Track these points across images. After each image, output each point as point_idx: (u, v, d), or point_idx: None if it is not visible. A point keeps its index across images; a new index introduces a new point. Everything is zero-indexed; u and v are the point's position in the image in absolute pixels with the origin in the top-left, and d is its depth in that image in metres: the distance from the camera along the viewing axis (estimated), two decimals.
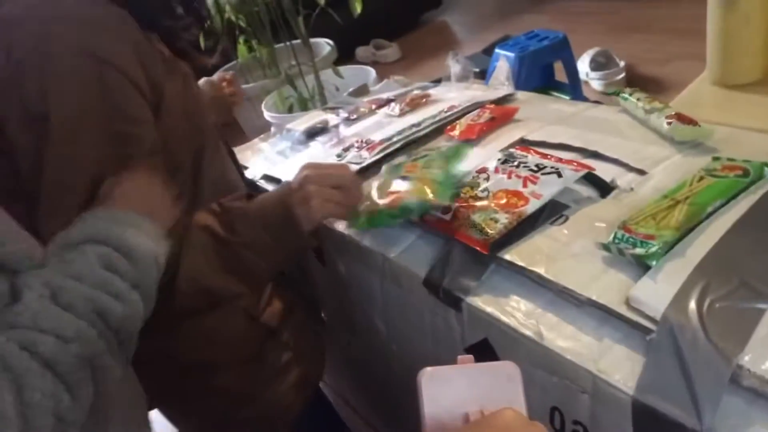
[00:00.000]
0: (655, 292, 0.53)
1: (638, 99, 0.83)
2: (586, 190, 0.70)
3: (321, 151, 1.00)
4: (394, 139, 0.91)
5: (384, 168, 0.82)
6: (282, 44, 2.17)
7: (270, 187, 0.97)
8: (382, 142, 0.92)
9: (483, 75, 1.86)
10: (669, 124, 0.75)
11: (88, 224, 0.53)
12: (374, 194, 0.74)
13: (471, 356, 0.43)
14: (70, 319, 0.45)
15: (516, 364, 0.59)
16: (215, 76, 1.13)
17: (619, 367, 0.51)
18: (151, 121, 0.63)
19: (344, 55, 2.56)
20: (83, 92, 0.58)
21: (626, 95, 0.86)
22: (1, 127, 0.57)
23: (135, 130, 0.61)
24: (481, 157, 0.81)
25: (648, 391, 0.49)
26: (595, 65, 2.25)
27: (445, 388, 0.40)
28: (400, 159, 0.84)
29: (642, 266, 0.56)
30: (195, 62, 0.78)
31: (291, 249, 0.69)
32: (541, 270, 0.60)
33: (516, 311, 0.60)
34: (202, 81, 1.09)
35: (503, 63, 1.12)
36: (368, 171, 0.87)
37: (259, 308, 0.77)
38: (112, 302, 0.48)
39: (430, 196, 0.69)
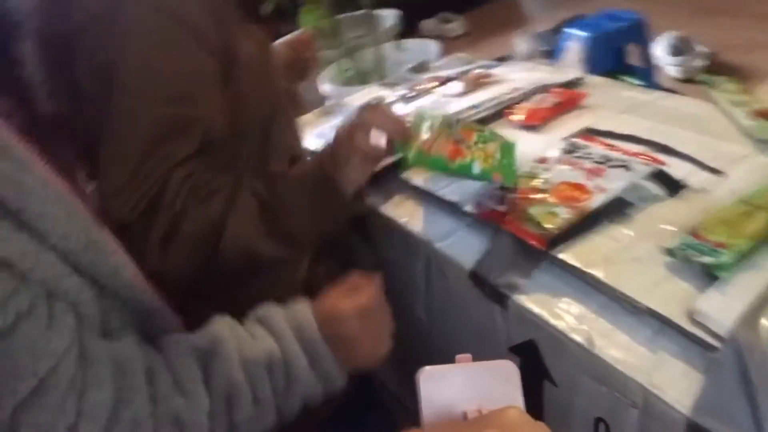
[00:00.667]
0: (723, 306, 0.49)
1: (726, 89, 0.76)
2: (653, 188, 0.65)
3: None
4: (452, 119, 0.88)
5: (427, 114, 0.71)
6: (346, 14, 2.13)
7: None
8: None
9: (550, 54, 1.78)
10: (751, 119, 0.69)
11: (285, 320, 0.52)
12: (425, 135, 0.68)
13: (469, 355, 0.42)
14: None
15: (563, 370, 0.57)
16: (291, 37, 1.11)
17: (674, 383, 0.47)
18: (217, 86, 0.62)
19: (409, 28, 2.51)
20: (153, 49, 0.59)
21: (713, 82, 0.79)
22: (71, 72, 0.58)
23: (198, 94, 0.61)
24: (542, 144, 0.77)
25: (705, 412, 0.45)
26: (673, 50, 2.11)
27: (443, 387, 0.39)
28: (451, 116, 0.78)
29: (709, 276, 0.52)
30: (272, 28, 0.77)
31: (332, 213, 0.66)
32: (598, 273, 0.56)
33: (566, 314, 0.56)
34: (279, 41, 1.08)
35: (574, 44, 1.06)
36: None
37: (300, 275, 0.76)
38: (248, 401, 0.48)
39: (495, 168, 0.65)
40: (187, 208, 0.58)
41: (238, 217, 0.62)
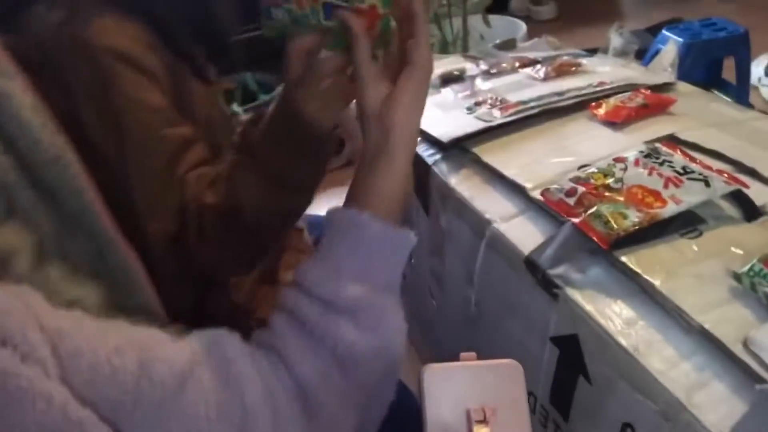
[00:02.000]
0: None
1: None
2: (730, 209, 0.63)
3: (452, 100, 0.97)
4: (531, 104, 0.87)
5: None
6: None
7: None
8: (517, 104, 0.87)
9: (642, 54, 1.71)
10: None
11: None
12: None
13: (473, 353, 0.43)
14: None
15: (601, 370, 0.57)
16: None
17: (714, 406, 0.47)
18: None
19: (498, 4, 2.45)
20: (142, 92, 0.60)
21: None
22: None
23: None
24: (621, 144, 0.75)
25: None
26: None
27: (448, 385, 0.40)
28: None
29: None
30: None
31: (309, 145, 0.61)
32: (656, 281, 0.55)
33: (616, 316, 0.56)
34: None
35: (671, 47, 1.02)
36: (496, 131, 0.83)
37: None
38: None
39: None
40: (205, 198, 0.61)
41: (244, 185, 0.63)
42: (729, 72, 1.78)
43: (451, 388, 0.40)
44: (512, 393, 0.41)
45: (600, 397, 0.57)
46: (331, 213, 0.47)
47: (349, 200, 0.48)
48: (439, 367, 0.41)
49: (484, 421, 0.39)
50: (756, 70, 2.00)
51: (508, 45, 1.30)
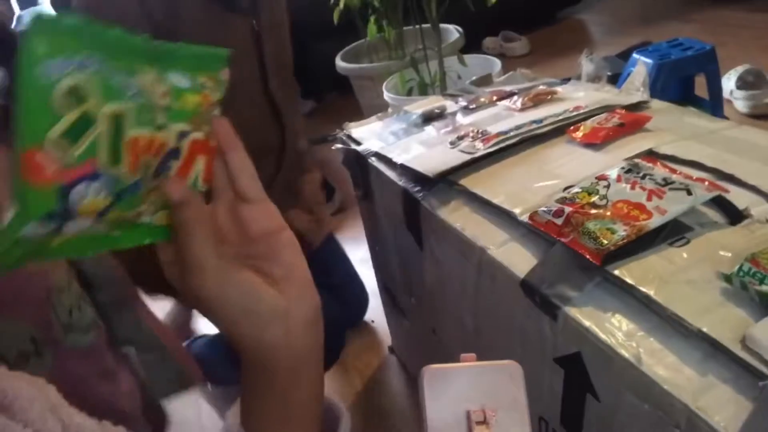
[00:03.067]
0: None
1: None
2: (714, 215, 0.65)
3: (435, 136, 0.99)
4: (511, 134, 0.89)
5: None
6: (411, 27, 2.17)
7: (380, 165, 0.98)
8: (498, 135, 0.90)
9: (615, 79, 1.76)
10: None
11: None
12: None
13: (473, 355, 0.43)
14: None
15: (607, 385, 0.57)
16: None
17: (720, 408, 0.47)
18: None
19: (471, 44, 2.52)
20: None
21: None
22: None
23: None
24: (602, 163, 0.77)
25: None
26: (742, 84, 2.07)
27: (447, 387, 0.40)
28: None
29: (766, 305, 0.51)
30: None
31: None
32: (650, 291, 0.56)
33: (616, 330, 0.56)
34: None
35: (641, 68, 1.06)
36: (480, 163, 0.85)
37: None
38: None
39: None
40: None
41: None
42: (701, 89, 1.83)
43: (451, 389, 0.40)
44: (513, 394, 0.40)
45: (609, 412, 0.57)
46: None
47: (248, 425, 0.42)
48: (439, 369, 0.41)
49: (484, 423, 0.39)
50: (727, 84, 2.06)
51: (485, 81, 1.33)
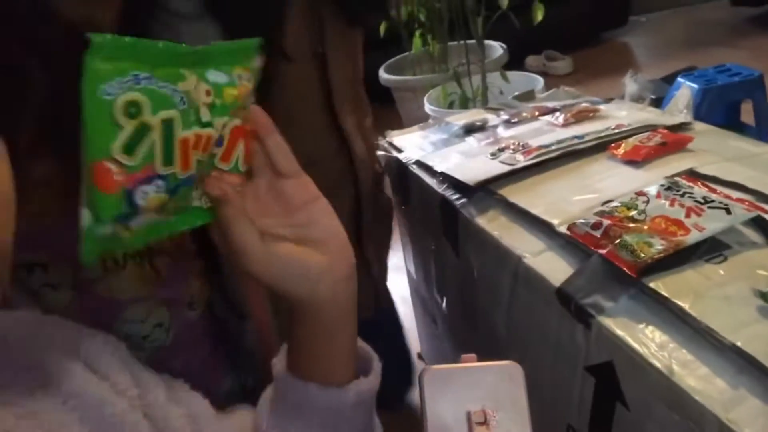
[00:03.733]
0: None
1: None
2: (753, 235, 0.65)
3: (476, 147, 1.01)
4: (552, 147, 0.90)
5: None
6: (455, 42, 2.20)
7: (421, 173, 1.01)
8: (539, 148, 0.91)
9: (659, 103, 1.76)
10: None
11: None
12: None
13: (473, 355, 0.43)
14: None
15: (637, 394, 0.58)
16: None
17: (752, 421, 0.48)
18: None
19: (515, 62, 2.54)
20: None
21: None
22: None
23: None
24: (642, 180, 0.78)
25: None
26: None
27: (448, 387, 0.40)
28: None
29: None
30: None
31: None
32: (685, 304, 0.57)
33: (649, 341, 0.57)
34: None
35: (685, 90, 1.06)
36: (520, 174, 0.87)
37: None
38: None
39: None
40: None
41: None
42: (748, 115, 1.81)
43: (451, 390, 0.40)
44: (513, 395, 0.40)
45: (639, 422, 0.58)
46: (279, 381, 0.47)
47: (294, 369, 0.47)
48: (439, 369, 0.41)
49: (484, 423, 0.39)
50: None
51: (528, 96, 1.35)
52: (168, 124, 0.35)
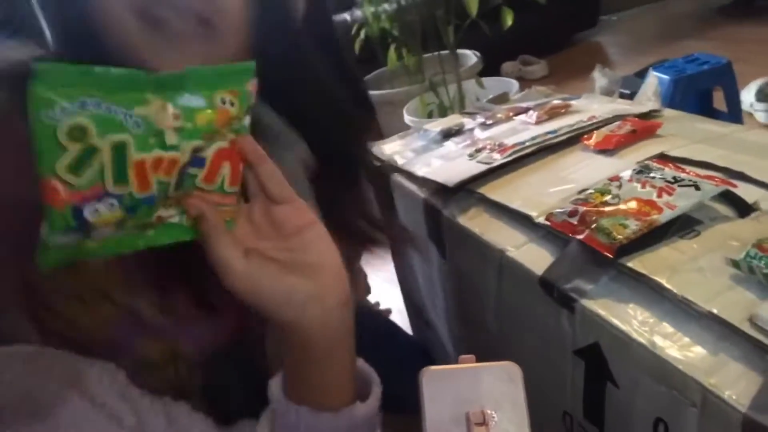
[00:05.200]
0: None
1: None
2: (724, 209, 0.67)
3: (454, 150, 1.03)
4: (527, 144, 0.93)
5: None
6: (430, 54, 2.23)
7: (402, 180, 1.02)
8: (514, 146, 0.93)
9: (633, 98, 1.79)
10: None
11: None
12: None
13: (472, 356, 0.43)
14: None
15: (625, 371, 0.60)
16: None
17: (733, 383, 0.49)
18: None
19: (490, 69, 2.58)
20: None
21: None
22: None
23: None
24: (615, 167, 0.80)
25: (763, 410, 0.47)
26: (762, 96, 2.08)
27: (446, 388, 0.40)
28: None
29: None
30: None
31: None
32: (662, 279, 0.59)
33: (631, 318, 0.59)
34: None
35: (653, 79, 1.09)
36: (498, 172, 0.89)
37: None
38: None
39: None
40: None
41: None
42: (721, 103, 1.84)
43: (450, 390, 0.40)
44: (512, 395, 0.41)
45: (629, 397, 0.60)
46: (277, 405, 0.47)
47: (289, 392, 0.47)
48: (438, 370, 0.41)
49: (483, 424, 0.39)
50: (746, 97, 2.07)
51: (502, 99, 1.38)
52: (119, 147, 0.37)
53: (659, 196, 0.68)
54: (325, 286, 0.44)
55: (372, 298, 1.77)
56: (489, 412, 0.40)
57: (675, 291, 0.57)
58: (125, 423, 0.42)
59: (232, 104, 0.42)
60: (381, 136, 2.21)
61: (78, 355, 0.45)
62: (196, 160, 0.41)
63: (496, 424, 0.40)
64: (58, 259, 0.38)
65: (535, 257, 0.72)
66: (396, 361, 0.55)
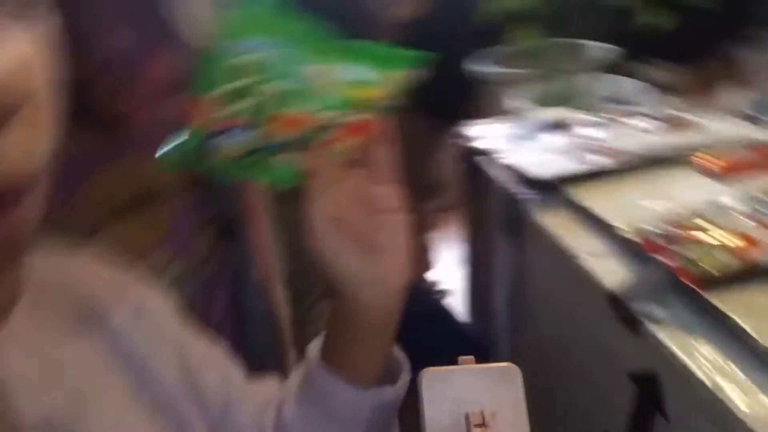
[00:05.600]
0: None
1: None
2: None
3: (554, 145, 0.99)
4: (635, 152, 0.87)
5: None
6: (556, 39, 2.14)
7: (492, 165, 1.00)
8: (620, 151, 0.88)
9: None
10: None
11: None
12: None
13: (472, 357, 0.42)
14: None
15: (679, 407, 0.56)
16: None
17: None
18: None
19: (617, 66, 2.44)
20: None
21: None
22: None
23: None
24: (723, 193, 0.74)
25: None
26: None
27: (446, 389, 0.40)
28: None
29: None
30: None
31: None
32: (747, 325, 0.54)
33: (699, 354, 0.55)
34: None
35: None
36: (595, 175, 0.85)
37: None
38: None
39: None
40: None
41: None
42: None
43: (450, 391, 0.40)
44: (511, 396, 0.40)
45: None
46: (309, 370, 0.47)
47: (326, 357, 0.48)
48: (438, 371, 0.41)
49: (482, 425, 0.39)
50: None
51: (621, 99, 1.30)
52: (271, 96, 0.39)
53: (761, 231, 0.62)
54: (385, 272, 0.44)
55: (435, 277, 1.77)
56: (488, 413, 0.39)
57: (759, 341, 0.52)
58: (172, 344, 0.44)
59: (388, 86, 0.43)
60: (486, 116, 2.17)
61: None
62: (323, 127, 0.42)
63: (496, 426, 0.39)
64: (183, 162, 0.41)
65: (608, 270, 0.68)
66: (436, 345, 0.54)
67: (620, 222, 0.72)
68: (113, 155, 0.55)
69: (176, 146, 0.40)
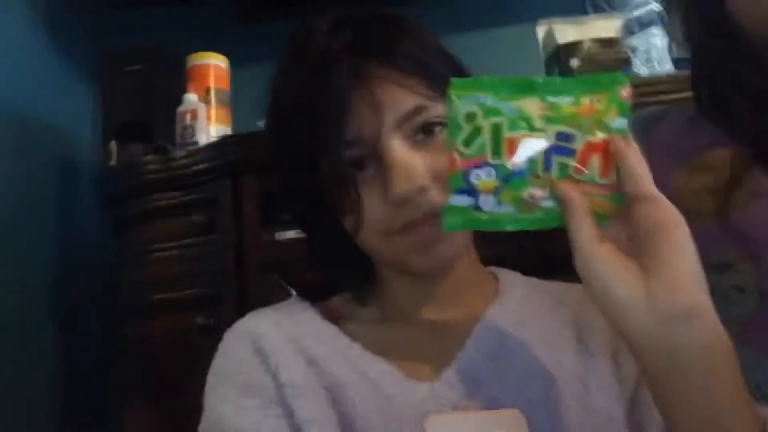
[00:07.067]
0: None
1: None
2: None
3: None
4: None
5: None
6: None
7: None
8: None
9: None
10: None
11: None
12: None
13: (473, 404, 0.44)
14: None
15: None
16: None
17: None
18: None
19: None
20: None
21: None
22: None
23: None
24: None
25: None
26: None
27: None
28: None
29: None
30: None
31: None
32: None
33: None
34: None
35: None
36: None
37: None
38: None
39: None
40: None
41: None
42: None
43: None
44: None
45: None
46: None
47: None
48: (442, 417, 0.42)
49: None
50: None
51: None
52: (496, 126, 0.49)
53: None
54: (652, 293, 0.40)
55: None
56: None
57: None
58: None
59: (598, 102, 0.49)
60: None
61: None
62: (564, 149, 0.48)
63: None
64: (455, 222, 0.49)
65: None
66: None
67: None
68: None
69: (449, 201, 0.49)
